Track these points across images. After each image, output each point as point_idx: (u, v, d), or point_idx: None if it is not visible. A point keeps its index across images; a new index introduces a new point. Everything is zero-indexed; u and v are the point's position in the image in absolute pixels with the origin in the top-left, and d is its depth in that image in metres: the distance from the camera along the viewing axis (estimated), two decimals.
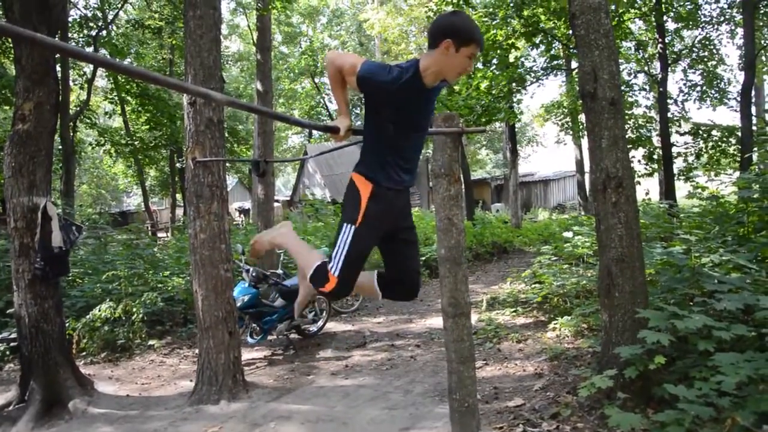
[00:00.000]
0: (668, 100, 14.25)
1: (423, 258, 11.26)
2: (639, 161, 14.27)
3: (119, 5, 17.54)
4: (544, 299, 7.25)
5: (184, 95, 5.43)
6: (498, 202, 31.81)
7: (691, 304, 4.27)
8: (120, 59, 15.36)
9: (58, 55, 6.39)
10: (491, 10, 12.95)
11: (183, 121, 5.33)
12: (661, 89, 13.65)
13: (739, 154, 11.63)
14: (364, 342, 6.76)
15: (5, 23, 1.35)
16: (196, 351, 5.50)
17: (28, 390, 4.85)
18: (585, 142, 6.64)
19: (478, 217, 18.01)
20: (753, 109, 14.02)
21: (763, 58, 17.66)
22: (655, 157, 14.34)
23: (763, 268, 4.56)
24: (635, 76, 16.09)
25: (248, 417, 4.49)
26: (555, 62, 15.20)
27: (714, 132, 14.15)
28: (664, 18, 13.84)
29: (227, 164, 15.65)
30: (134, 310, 6.82)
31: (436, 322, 7.20)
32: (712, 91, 15.82)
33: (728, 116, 68.10)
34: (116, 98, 19.07)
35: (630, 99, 15.08)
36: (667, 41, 14.10)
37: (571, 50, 13.77)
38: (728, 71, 21.51)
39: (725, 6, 14.93)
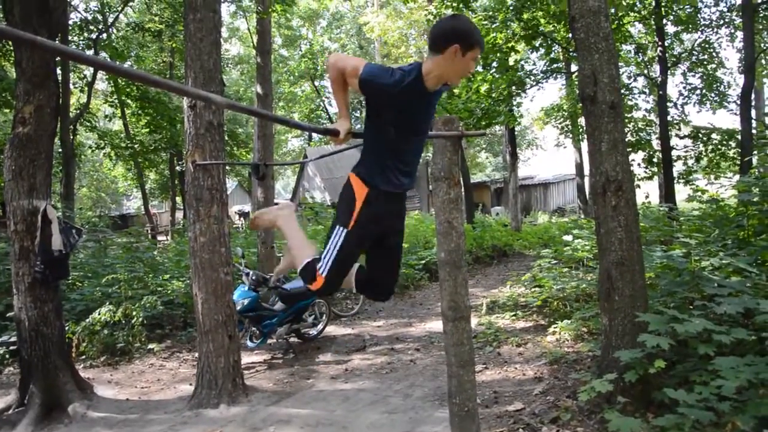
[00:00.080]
0: (668, 104, 14.28)
1: (423, 261, 11.26)
2: (639, 164, 14.29)
3: (119, 8, 17.58)
4: (544, 303, 7.25)
5: (184, 98, 5.44)
6: (498, 205, 31.80)
7: (691, 307, 4.27)
8: (120, 62, 15.40)
9: (58, 58, 6.40)
10: (491, 13, 12.98)
11: (183, 124, 5.33)
12: (660, 92, 13.67)
13: (739, 158, 11.65)
14: (363, 346, 6.75)
15: (6, 26, 1.35)
16: (196, 354, 5.50)
17: (27, 394, 4.84)
18: (585, 146, 6.65)
19: (477, 220, 18.01)
20: (753, 113, 14.03)
21: (763, 61, 17.69)
22: (655, 160, 14.35)
23: (763, 271, 4.56)
24: (635, 80, 16.14)
25: (248, 421, 4.49)
26: (555, 65, 15.22)
27: (714, 135, 14.18)
28: (664, 21, 13.87)
29: (227, 167, 15.67)
30: (134, 313, 6.81)
31: (436, 325, 7.19)
32: (712, 95, 15.83)
33: (728, 119, 68.18)
34: (116, 101, 19.08)
35: (630, 102, 15.10)
36: (666, 44, 14.12)
37: (571, 53, 13.79)
38: (728, 74, 21.63)
39: (725, 9, 14.98)
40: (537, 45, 13.65)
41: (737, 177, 9.25)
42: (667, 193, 13.27)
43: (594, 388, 3.54)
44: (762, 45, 15.41)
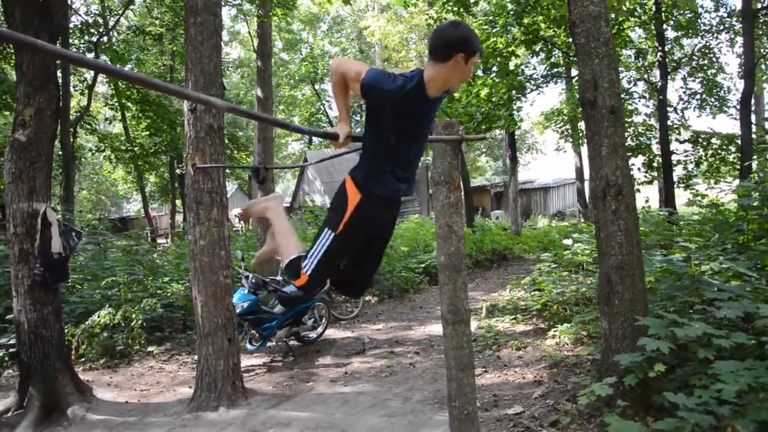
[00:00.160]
0: (668, 108, 14.29)
1: (423, 265, 11.25)
2: (639, 169, 14.29)
3: (120, 11, 17.62)
4: (544, 306, 7.24)
5: (184, 101, 5.45)
6: (498, 209, 31.79)
7: (691, 311, 4.27)
8: (121, 65, 15.43)
9: (58, 61, 6.41)
10: (491, 18, 13.00)
11: (183, 127, 5.34)
12: (660, 97, 13.69)
13: (739, 162, 11.65)
14: (363, 349, 6.75)
15: (6, 30, 1.36)
16: (196, 357, 5.49)
17: (26, 396, 4.83)
18: (585, 150, 6.65)
19: (477, 224, 18.00)
20: (752, 118, 14.04)
21: (763, 66, 17.73)
22: (655, 164, 14.36)
23: (763, 276, 4.56)
24: (635, 84, 16.14)
25: (247, 424, 4.48)
26: (555, 70, 15.24)
27: (714, 140, 14.19)
28: (664, 26, 13.90)
29: (227, 171, 15.68)
30: (133, 316, 6.81)
31: (436, 329, 7.19)
32: (712, 100, 15.85)
33: (728, 124, 68.34)
34: (116, 104, 19.09)
35: (630, 107, 15.12)
36: (666, 49, 14.15)
37: (571, 58, 13.81)
38: (728, 79, 21.61)
39: (725, 15, 15.01)
40: (537, 49, 13.65)
41: (737, 182, 9.26)
42: (667, 198, 13.27)
43: (594, 392, 3.53)
44: (762, 50, 15.43)
